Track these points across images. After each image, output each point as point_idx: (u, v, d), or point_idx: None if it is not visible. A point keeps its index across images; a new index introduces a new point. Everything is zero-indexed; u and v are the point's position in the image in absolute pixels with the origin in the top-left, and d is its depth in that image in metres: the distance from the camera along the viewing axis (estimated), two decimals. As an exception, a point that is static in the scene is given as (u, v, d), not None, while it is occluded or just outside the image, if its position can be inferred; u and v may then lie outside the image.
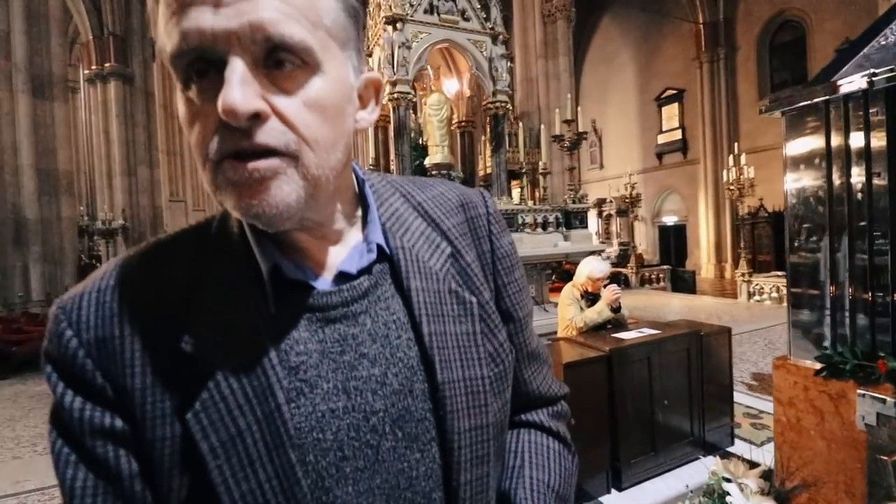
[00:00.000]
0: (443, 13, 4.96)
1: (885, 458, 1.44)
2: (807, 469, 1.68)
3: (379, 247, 0.51)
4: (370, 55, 5.45)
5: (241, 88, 0.36)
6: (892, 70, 1.43)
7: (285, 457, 0.42)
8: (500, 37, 5.26)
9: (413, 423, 0.48)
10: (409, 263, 0.51)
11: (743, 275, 10.00)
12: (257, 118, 0.38)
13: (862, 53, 1.65)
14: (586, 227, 5.83)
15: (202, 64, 0.38)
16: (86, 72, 12.96)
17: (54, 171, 8.58)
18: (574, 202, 5.70)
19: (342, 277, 0.49)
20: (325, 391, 0.45)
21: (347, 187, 0.52)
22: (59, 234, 8.75)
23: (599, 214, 17.47)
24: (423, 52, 4.86)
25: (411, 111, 5.19)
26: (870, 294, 1.55)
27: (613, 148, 19.53)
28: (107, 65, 12.30)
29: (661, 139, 17.48)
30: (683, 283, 12.31)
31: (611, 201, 16.93)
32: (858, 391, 1.51)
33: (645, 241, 18.14)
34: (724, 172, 11.39)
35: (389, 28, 4.69)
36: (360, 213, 0.54)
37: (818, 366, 1.63)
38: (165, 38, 0.38)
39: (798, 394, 1.70)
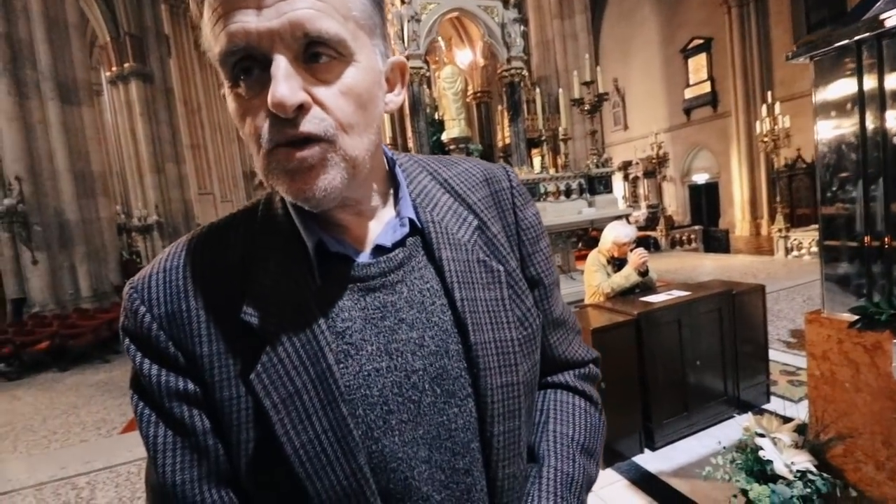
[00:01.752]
0: (450, -19, 4.82)
1: (925, 407, 1.41)
2: (842, 422, 1.66)
3: (411, 221, 0.55)
4: (380, 32, 5.36)
5: (286, 83, 0.40)
6: (928, 1, 1.33)
7: (338, 410, 0.47)
8: (512, 0, 5.10)
9: (450, 380, 0.52)
10: (439, 235, 0.55)
11: (780, 230, 9.62)
12: (301, 108, 0.42)
13: (897, -15, 1.54)
14: (611, 191, 5.71)
15: (248, 62, 0.42)
16: (107, 73, 13.25)
17: (89, 173, 8.94)
18: (597, 167, 5.57)
19: (379, 250, 0.53)
20: (369, 353, 0.50)
21: (380, 167, 0.55)
22: (99, 233, 9.19)
23: (626, 178, 17.03)
24: (432, 23, 4.76)
25: (425, 86, 5.12)
26: (907, 241, 1.49)
27: (638, 107, 18.78)
28: (126, 65, 12.55)
29: (689, 93, 16.66)
30: (716, 242, 11.94)
31: (637, 163, 16.44)
32: (895, 341, 1.47)
33: (675, 202, 17.58)
34: (758, 124, 10.83)
35: (397, 2, 4.61)
36: (392, 190, 0.57)
37: (852, 318, 1.59)
38: (213, 40, 0.42)
39: (832, 347, 1.67)
